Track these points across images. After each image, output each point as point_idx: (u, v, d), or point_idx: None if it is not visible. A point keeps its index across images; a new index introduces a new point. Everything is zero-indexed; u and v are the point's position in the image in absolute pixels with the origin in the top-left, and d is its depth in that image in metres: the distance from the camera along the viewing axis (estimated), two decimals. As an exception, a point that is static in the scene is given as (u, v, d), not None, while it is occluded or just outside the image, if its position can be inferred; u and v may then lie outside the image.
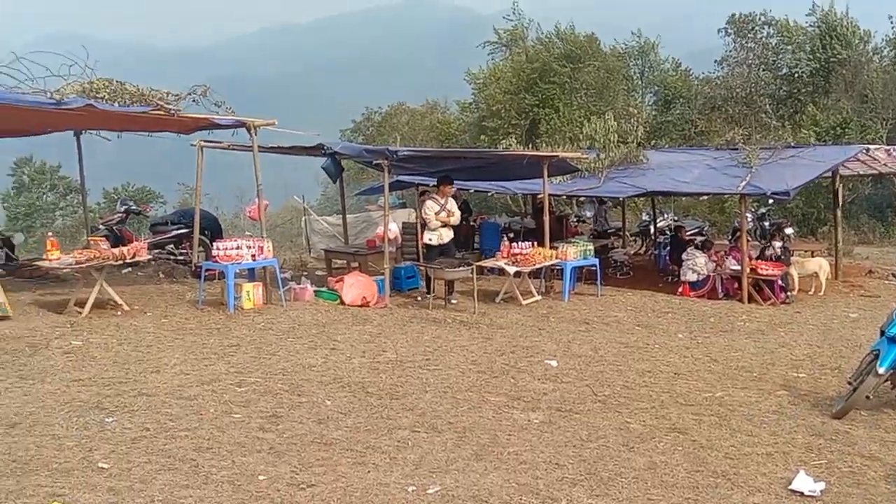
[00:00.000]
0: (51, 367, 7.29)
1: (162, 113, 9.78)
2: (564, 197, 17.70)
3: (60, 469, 4.97)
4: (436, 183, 12.83)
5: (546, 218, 13.32)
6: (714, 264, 13.76)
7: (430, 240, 12.27)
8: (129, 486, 4.74)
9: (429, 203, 12.41)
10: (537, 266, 12.39)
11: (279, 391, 7.01)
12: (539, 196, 15.77)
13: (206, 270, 11.10)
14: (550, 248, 12.84)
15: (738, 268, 13.34)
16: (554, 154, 14.22)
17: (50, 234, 11.03)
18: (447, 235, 12.22)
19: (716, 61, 30.54)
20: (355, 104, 38.74)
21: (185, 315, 10.05)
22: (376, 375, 7.71)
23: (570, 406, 6.94)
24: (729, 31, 30.29)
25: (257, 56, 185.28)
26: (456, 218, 12.27)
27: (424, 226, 12.50)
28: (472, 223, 18.16)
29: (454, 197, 12.70)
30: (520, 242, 12.81)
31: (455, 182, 12.90)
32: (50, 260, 9.85)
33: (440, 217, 12.09)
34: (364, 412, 6.54)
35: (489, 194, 21.80)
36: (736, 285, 13.45)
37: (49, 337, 8.32)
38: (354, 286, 11.58)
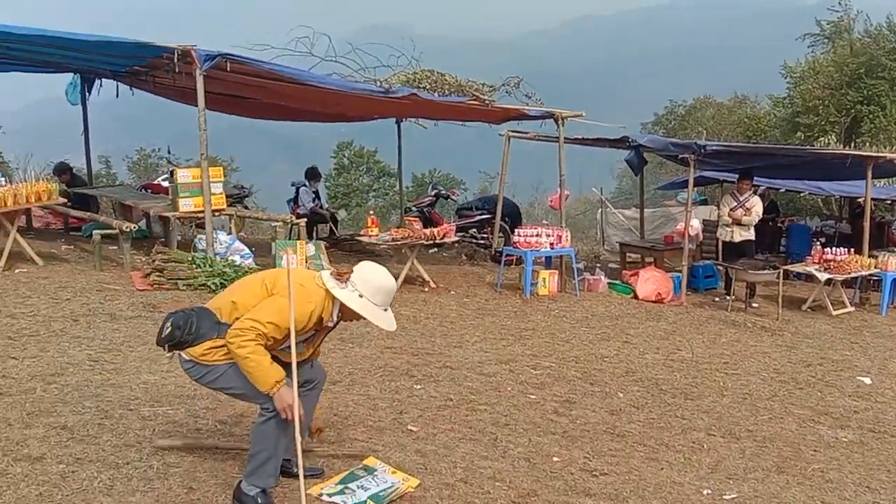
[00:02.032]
0: (367, 334, 7.94)
1: (477, 103, 10.28)
2: (888, 202, 16.10)
3: (374, 427, 5.41)
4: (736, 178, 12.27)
5: (866, 224, 12.21)
6: None
7: (721, 235, 11.82)
8: (434, 451, 5.07)
9: (725, 198, 11.95)
10: (852, 275, 11.42)
11: (572, 378, 7.12)
12: (858, 199, 14.51)
13: (506, 255, 11.52)
14: (869, 256, 11.77)
15: None
16: (881, 155, 12.98)
17: (371, 212, 12.00)
18: (740, 234, 11.58)
19: None
20: (658, 96, 37.88)
21: (484, 296, 10.52)
22: (670, 373, 7.57)
23: (885, 428, 6.37)
24: None
25: (563, 47, 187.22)
26: (750, 217, 11.52)
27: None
28: (779, 224, 17.09)
29: (762, 196, 12.06)
30: (833, 248, 11.86)
31: (765, 180, 12.24)
32: (369, 236, 10.73)
33: (733, 214, 11.54)
34: (657, 409, 6.46)
35: (800, 195, 20.33)
36: None
37: (366, 306, 9.07)
38: (649, 281, 11.43)
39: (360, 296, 4.09)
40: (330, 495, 4.26)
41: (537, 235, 10.94)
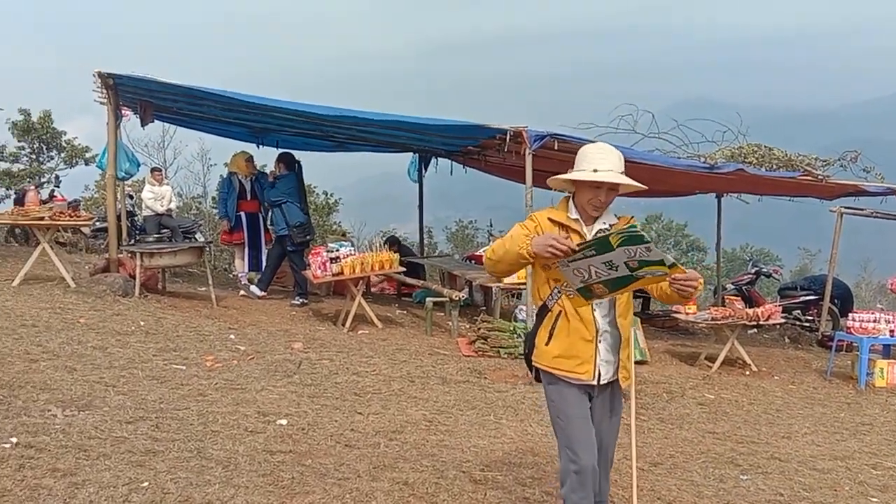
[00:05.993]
0: (686, 416, 7.76)
1: (810, 178, 9.78)
2: None
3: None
4: None
5: None
6: None
7: None
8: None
9: None
10: None
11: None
12: None
13: (837, 341, 10.72)
14: None
15: None
16: None
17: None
18: None
19: None
20: None
21: (812, 384, 9.84)
22: None
23: None
24: None
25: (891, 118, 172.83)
26: None
27: None
28: None
29: None
30: None
31: None
32: (686, 313, 10.51)
33: None
34: None
35: None
36: None
37: (684, 387, 8.88)
38: None
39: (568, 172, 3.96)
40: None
41: (875, 321, 10.08)
